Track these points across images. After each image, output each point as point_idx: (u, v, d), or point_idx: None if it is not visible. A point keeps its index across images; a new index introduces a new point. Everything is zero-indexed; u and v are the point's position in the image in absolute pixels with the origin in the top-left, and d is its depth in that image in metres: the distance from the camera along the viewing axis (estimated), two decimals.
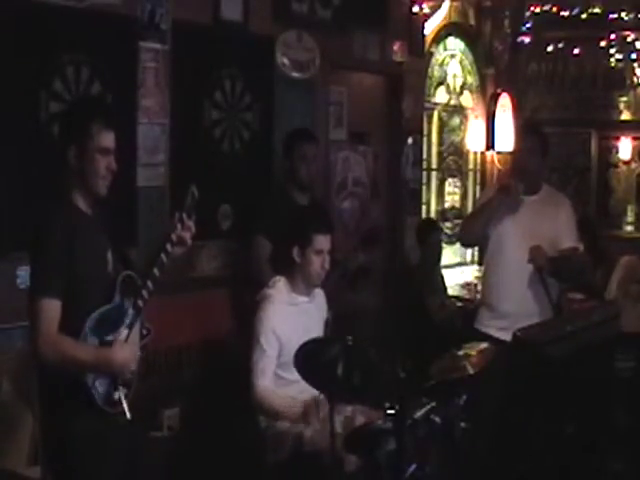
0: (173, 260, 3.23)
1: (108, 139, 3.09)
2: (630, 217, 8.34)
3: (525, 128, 5.21)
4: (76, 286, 2.99)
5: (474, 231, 4.81)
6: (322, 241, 4.04)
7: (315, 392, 3.75)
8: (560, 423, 3.80)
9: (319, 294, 4.24)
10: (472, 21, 7.81)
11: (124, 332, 3.08)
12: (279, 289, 4.07)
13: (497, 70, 8.20)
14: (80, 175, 3.07)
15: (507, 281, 4.63)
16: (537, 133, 4.89)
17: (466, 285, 7.54)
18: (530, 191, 4.65)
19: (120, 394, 3.08)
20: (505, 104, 8.04)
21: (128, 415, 3.08)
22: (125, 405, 3.09)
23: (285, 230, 4.23)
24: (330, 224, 4.39)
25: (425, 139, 7.35)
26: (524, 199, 4.64)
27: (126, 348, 3.07)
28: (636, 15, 7.97)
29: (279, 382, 3.96)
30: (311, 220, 4.22)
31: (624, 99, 8.47)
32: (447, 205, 7.85)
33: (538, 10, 8.20)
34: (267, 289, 4.10)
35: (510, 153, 5.20)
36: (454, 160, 7.96)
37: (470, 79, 8.02)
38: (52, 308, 2.95)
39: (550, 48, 8.48)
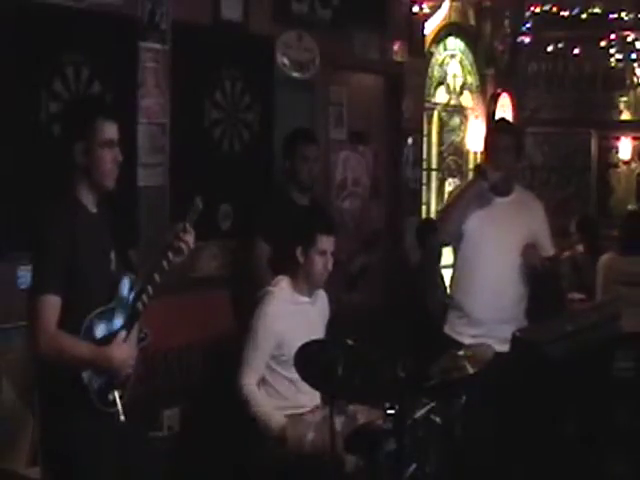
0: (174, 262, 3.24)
1: (112, 131, 3.10)
2: None
3: (499, 127, 5.03)
4: (78, 284, 3.00)
5: (451, 223, 4.54)
6: (326, 242, 4.04)
7: (313, 391, 3.77)
8: (560, 423, 3.80)
9: (321, 295, 4.23)
10: (472, 21, 7.81)
11: (123, 333, 3.09)
12: (281, 287, 4.07)
13: (497, 70, 8.20)
14: (87, 171, 3.08)
15: (482, 286, 4.44)
16: (511, 131, 4.71)
17: None
18: (503, 192, 4.51)
19: (115, 395, 3.09)
20: (505, 104, 8.05)
21: (122, 416, 3.09)
22: (119, 406, 3.09)
23: (285, 231, 4.23)
24: (334, 226, 4.38)
25: (425, 139, 7.36)
26: (497, 199, 4.50)
27: (124, 347, 3.08)
28: (636, 15, 7.98)
29: (278, 379, 3.97)
30: (316, 221, 4.21)
31: (624, 99, 8.49)
32: None
33: (538, 10, 8.21)
34: (269, 287, 4.10)
35: (483, 151, 4.98)
36: (454, 160, 7.97)
37: (470, 79, 8.02)
38: (52, 304, 2.95)
39: (550, 48, 8.50)
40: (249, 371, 3.94)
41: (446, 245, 5.44)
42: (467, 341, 4.33)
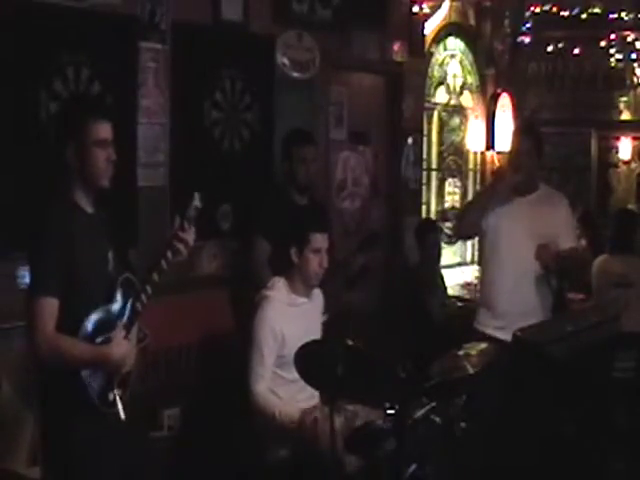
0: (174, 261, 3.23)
1: (104, 130, 3.09)
2: None
3: (520, 129, 5.16)
4: (76, 285, 3.00)
5: (469, 221, 4.77)
6: (319, 240, 4.04)
7: (313, 391, 3.77)
8: (560, 423, 3.80)
9: (317, 294, 4.23)
10: (472, 21, 7.81)
11: (122, 332, 3.09)
12: (278, 290, 4.07)
13: (497, 70, 8.20)
14: (81, 172, 3.08)
15: (504, 280, 4.61)
16: (533, 134, 4.83)
17: (466, 285, 7.54)
18: (527, 191, 4.63)
19: (115, 395, 3.09)
20: (505, 104, 8.04)
21: (122, 416, 3.09)
22: (120, 406, 3.10)
23: (284, 231, 4.23)
24: (327, 222, 4.38)
25: (425, 139, 7.35)
26: (520, 198, 4.61)
27: (123, 346, 3.08)
28: (636, 15, 7.98)
29: (278, 381, 3.96)
30: (307, 220, 4.21)
31: (624, 99, 8.49)
32: (447, 205, 7.85)
33: (538, 10, 8.20)
34: (266, 290, 4.09)
35: (507, 153, 5.17)
36: (454, 160, 7.96)
37: (470, 79, 8.02)
38: (49, 307, 2.95)
39: (550, 48, 8.49)
40: (260, 380, 3.92)
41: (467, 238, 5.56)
42: (491, 332, 4.53)
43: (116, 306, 3.10)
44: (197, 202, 3.17)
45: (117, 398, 3.09)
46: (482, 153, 8.16)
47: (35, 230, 3.05)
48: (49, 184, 3.27)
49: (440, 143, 7.74)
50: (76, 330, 2.97)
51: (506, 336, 4.19)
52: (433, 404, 3.43)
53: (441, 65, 7.59)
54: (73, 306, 2.99)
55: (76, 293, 3.00)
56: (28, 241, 3.07)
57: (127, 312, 3.13)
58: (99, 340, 3.03)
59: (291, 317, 4.01)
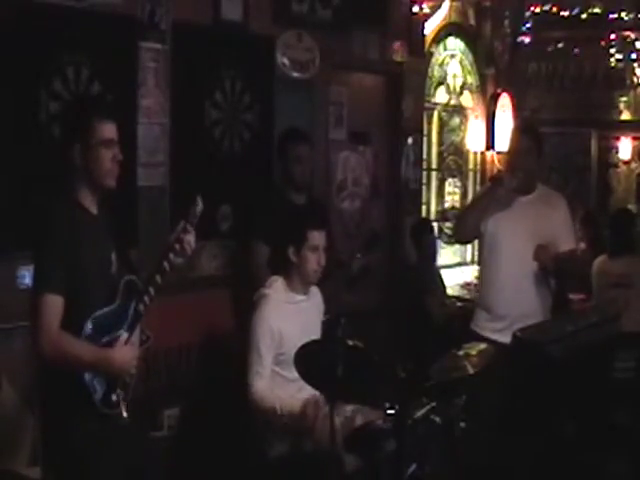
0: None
1: (110, 130, 3.10)
2: None
3: (520, 128, 5.14)
4: (79, 285, 3.00)
5: (468, 225, 4.74)
6: (317, 237, 4.04)
7: (312, 391, 3.76)
8: (560, 423, 3.80)
9: (316, 293, 4.23)
10: (472, 21, 7.81)
11: (124, 335, 3.09)
12: (276, 288, 4.07)
13: (497, 70, 8.20)
14: (86, 172, 3.08)
15: (502, 282, 4.58)
16: (532, 133, 4.81)
17: (466, 285, 7.54)
18: (525, 191, 4.61)
19: (118, 396, 3.09)
20: (505, 104, 8.04)
21: (125, 416, 3.09)
22: (123, 407, 3.10)
23: (281, 231, 4.23)
24: (324, 220, 4.38)
25: (425, 139, 7.35)
26: (519, 198, 4.61)
27: (126, 350, 3.08)
28: (636, 15, 7.97)
29: (278, 380, 3.96)
30: (304, 218, 4.21)
31: (624, 99, 8.48)
32: (447, 205, 7.85)
33: (538, 10, 8.20)
34: (264, 289, 4.09)
35: (505, 153, 5.17)
36: (454, 160, 7.96)
37: (470, 79, 8.02)
38: (54, 304, 2.95)
39: (550, 48, 8.48)
40: (258, 378, 3.92)
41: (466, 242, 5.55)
42: (488, 335, 4.48)
43: (118, 308, 3.10)
44: (200, 205, 3.18)
45: (119, 399, 3.09)
46: (482, 153, 8.16)
47: (40, 228, 3.05)
48: (53, 184, 3.27)
49: (440, 143, 7.74)
50: (78, 331, 2.97)
51: (504, 339, 4.18)
52: (433, 404, 3.43)
53: (441, 65, 7.59)
54: (75, 307, 2.99)
55: (79, 293, 3.00)
56: (33, 239, 3.07)
57: (130, 314, 3.13)
58: (102, 342, 3.03)
59: (289, 315, 4.01)
